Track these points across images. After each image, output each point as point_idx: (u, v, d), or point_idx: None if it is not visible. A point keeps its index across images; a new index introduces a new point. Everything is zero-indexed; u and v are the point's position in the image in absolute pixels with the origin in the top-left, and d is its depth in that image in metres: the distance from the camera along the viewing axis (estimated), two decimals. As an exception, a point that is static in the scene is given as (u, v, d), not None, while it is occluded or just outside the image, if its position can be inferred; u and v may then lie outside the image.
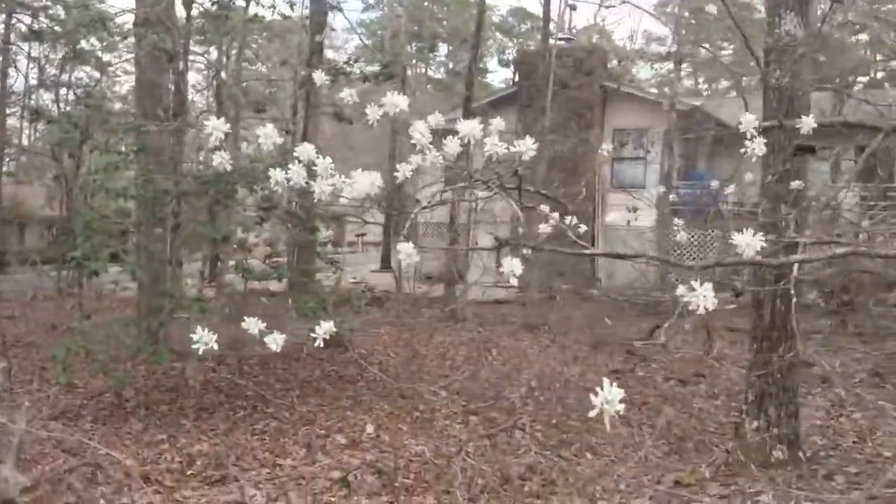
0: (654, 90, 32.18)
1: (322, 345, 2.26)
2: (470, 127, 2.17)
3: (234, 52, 16.57)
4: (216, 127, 2.34)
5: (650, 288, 16.87)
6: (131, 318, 9.48)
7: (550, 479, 5.77)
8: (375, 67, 11.78)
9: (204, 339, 2.32)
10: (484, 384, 9.58)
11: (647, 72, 40.44)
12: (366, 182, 2.18)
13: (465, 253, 16.77)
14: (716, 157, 22.27)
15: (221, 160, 2.64)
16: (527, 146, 2.15)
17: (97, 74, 23.91)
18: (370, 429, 7.25)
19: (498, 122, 2.24)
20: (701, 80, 46.84)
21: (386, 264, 28.37)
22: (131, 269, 8.43)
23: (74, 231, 9.65)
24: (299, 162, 2.26)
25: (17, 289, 18.12)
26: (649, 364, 10.85)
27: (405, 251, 2.04)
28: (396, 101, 2.31)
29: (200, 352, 2.33)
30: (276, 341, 2.22)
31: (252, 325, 2.26)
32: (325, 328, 2.26)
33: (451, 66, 47.11)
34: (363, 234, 40.45)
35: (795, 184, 4.44)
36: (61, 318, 15.18)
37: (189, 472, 6.18)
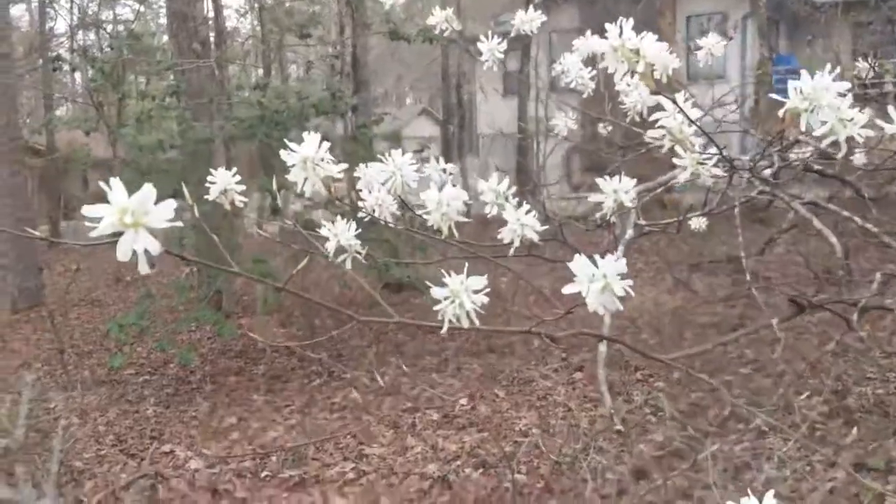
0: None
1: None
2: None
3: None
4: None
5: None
6: (187, 281, 8.62)
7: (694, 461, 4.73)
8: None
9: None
10: (572, 325, 8.54)
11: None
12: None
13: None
14: (795, 41, 20.42)
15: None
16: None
17: (140, 7, 22.77)
18: (464, 400, 6.30)
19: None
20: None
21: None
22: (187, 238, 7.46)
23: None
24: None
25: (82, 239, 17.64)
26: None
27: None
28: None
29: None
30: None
31: None
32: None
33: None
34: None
35: None
36: (125, 270, 14.61)
37: (263, 474, 5.34)
